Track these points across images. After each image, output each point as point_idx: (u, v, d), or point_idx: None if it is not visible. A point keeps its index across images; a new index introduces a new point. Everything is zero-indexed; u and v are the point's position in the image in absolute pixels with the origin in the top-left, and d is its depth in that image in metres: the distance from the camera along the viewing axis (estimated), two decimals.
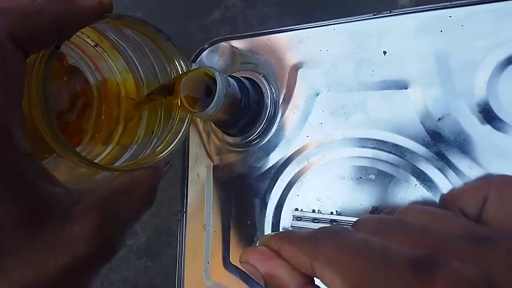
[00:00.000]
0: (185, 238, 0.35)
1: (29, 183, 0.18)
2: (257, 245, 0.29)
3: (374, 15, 0.28)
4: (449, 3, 0.26)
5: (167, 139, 0.28)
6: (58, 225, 0.19)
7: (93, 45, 0.27)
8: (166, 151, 0.27)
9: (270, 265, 0.19)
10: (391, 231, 0.19)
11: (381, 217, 0.22)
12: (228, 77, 0.29)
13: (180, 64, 0.28)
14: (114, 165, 0.27)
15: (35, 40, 0.19)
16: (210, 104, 0.27)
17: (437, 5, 0.27)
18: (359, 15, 0.30)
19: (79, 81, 0.28)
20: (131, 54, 0.28)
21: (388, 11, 0.28)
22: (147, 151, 0.28)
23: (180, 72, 0.28)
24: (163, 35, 0.26)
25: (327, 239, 0.18)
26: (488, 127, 0.26)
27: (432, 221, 0.20)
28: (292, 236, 0.20)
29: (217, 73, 0.28)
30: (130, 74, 0.29)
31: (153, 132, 0.29)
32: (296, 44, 0.32)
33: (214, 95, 0.27)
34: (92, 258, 0.20)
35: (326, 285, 0.16)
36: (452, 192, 0.26)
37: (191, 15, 0.69)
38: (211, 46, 0.35)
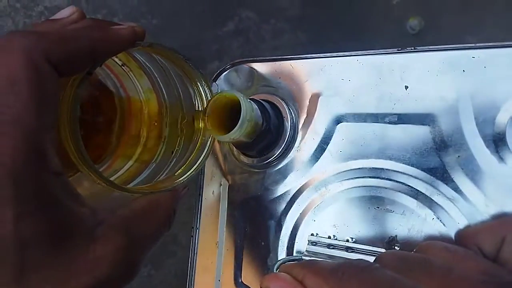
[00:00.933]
0: (196, 254, 0.35)
1: (57, 202, 0.19)
2: (276, 270, 0.29)
3: (398, 50, 0.29)
4: (472, 44, 0.27)
5: (187, 162, 0.28)
6: (82, 245, 0.19)
7: (120, 64, 0.28)
8: (186, 175, 0.28)
9: None
10: (416, 269, 0.19)
11: (403, 254, 0.22)
12: (252, 102, 0.30)
13: (204, 90, 0.29)
14: (132, 183, 0.28)
15: (70, 64, 0.20)
16: (233, 128, 0.28)
17: (460, 45, 0.27)
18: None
19: (105, 96, 0.28)
20: (157, 76, 0.29)
21: (412, 48, 0.28)
22: (165, 172, 0.29)
23: (204, 97, 0.29)
24: (190, 63, 0.27)
25: (354, 275, 0.18)
26: (505, 166, 0.26)
27: (454, 261, 0.21)
28: (317, 267, 0.20)
29: (242, 98, 0.28)
30: (154, 94, 0.30)
31: (172, 152, 0.30)
32: (318, 71, 0.32)
33: (238, 119, 0.28)
34: (113, 279, 0.20)
35: None
36: (469, 229, 0.26)
37: (206, 24, 0.70)
38: (232, 67, 0.36)
